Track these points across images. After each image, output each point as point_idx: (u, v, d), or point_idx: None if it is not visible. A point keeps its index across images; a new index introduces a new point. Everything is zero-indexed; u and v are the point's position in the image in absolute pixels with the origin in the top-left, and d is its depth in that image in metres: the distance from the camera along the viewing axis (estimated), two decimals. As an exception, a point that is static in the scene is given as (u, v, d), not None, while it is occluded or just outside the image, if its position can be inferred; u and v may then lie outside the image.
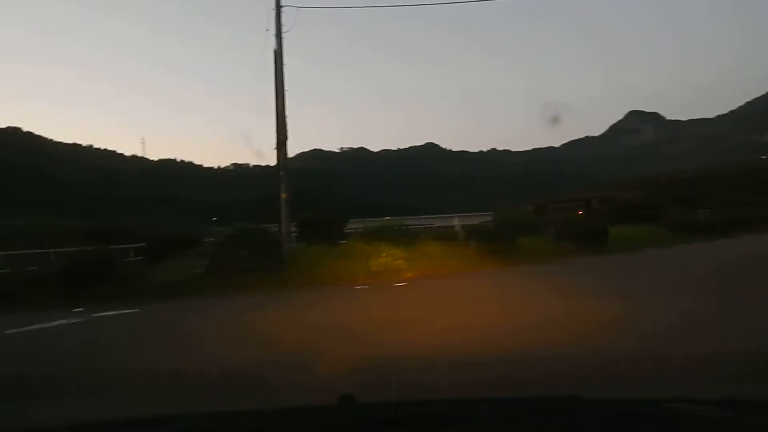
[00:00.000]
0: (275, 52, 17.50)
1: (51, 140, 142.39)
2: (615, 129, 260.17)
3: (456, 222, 28.56)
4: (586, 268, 14.48)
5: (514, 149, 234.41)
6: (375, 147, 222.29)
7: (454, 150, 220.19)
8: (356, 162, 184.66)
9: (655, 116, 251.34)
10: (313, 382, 4.19)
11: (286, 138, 17.05)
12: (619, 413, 1.67)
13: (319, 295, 11.37)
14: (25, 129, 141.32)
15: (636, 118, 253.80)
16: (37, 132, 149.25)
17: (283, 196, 17.02)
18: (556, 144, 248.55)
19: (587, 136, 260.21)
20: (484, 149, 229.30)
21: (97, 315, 9.36)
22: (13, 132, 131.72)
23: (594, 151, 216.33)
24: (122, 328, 8.50)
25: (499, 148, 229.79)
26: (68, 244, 17.16)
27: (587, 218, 24.29)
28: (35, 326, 8.30)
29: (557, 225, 20.87)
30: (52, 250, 17.17)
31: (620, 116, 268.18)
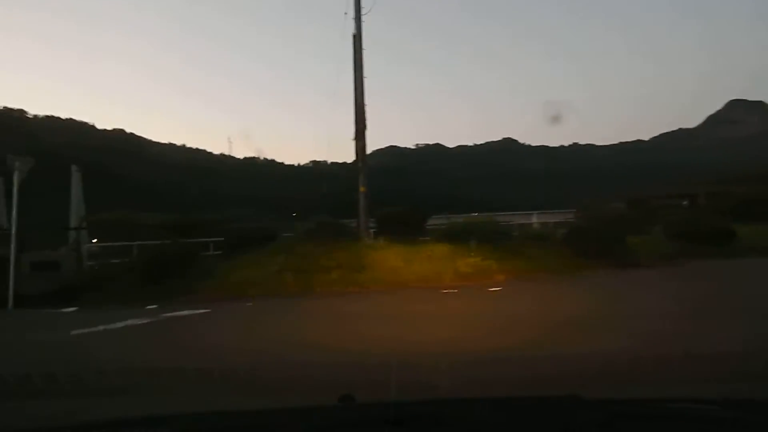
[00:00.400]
0: (354, 36, 16.65)
1: (150, 140, 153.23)
2: (713, 120, 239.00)
3: (534, 219, 26.65)
4: (723, 274, 12.12)
5: (597, 143, 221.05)
6: (451, 143, 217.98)
7: (532, 145, 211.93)
8: (432, 158, 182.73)
9: (759, 105, 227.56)
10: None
11: (364, 127, 16.14)
12: (619, 413, 1.65)
13: (405, 300, 10.15)
14: (129, 130, 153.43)
15: (737, 108, 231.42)
16: (138, 133, 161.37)
17: (362, 189, 16.15)
18: (645, 137, 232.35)
19: (680, 129, 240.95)
20: (565, 144, 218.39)
21: (167, 315, 8.74)
22: (119, 133, 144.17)
23: (689, 144, 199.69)
24: (189, 332, 7.72)
25: (581, 142, 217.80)
26: (153, 237, 17.28)
27: (701, 216, 21.35)
28: (102, 327, 7.72)
29: (668, 223, 18.34)
30: (135, 242, 17.36)
31: (719, 106, 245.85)
